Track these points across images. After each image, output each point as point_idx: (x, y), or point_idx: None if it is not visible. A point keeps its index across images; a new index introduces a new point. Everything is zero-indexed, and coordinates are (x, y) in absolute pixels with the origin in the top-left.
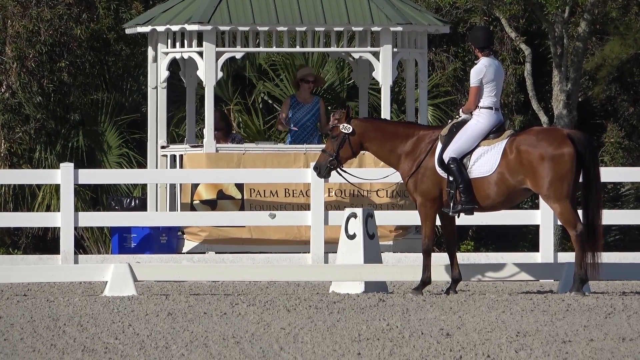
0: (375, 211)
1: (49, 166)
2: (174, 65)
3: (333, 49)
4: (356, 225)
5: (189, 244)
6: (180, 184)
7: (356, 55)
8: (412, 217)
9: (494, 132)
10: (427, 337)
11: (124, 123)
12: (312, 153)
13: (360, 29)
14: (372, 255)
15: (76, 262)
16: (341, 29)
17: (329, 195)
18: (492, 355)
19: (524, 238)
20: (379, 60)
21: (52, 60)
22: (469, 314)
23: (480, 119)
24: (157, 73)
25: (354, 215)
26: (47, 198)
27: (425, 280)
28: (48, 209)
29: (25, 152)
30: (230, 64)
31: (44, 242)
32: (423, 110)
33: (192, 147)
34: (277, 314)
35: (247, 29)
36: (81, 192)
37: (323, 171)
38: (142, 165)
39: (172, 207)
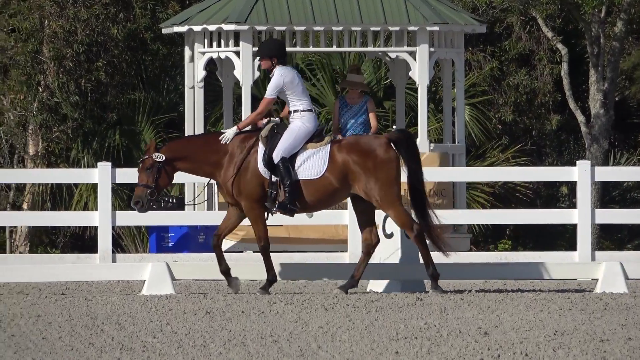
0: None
1: (86, 165)
2: (210, 64)
3: (370, 48)
4: (394, 225)
5: (226, 243)
6: (217, 183)
7: (393, 55)
8: (449, 216)
9: (316, 136)
10: (465, 336)
11: (161, 122)
12: None
13: (397, 28)
14: (410, 254)
15: (114, 261)
16: (378, 28)
17: None
18: (530, 354)
19: (561, 237)
20: (415, 60)
21: (89, 60)
22: (506, 313)
23: (305, 121)
24: (194, 72)
25: None
26: (84, 197)
27: (272, 279)
28: (85, 208)
29: (63, 151)
30: None
31: (81, 240)
32: (460, 109)
33: None
34: (315, 313)
35: (283, 28)
36: (119, 191)
37: (145, 204)
38: None
39: (210, 206)
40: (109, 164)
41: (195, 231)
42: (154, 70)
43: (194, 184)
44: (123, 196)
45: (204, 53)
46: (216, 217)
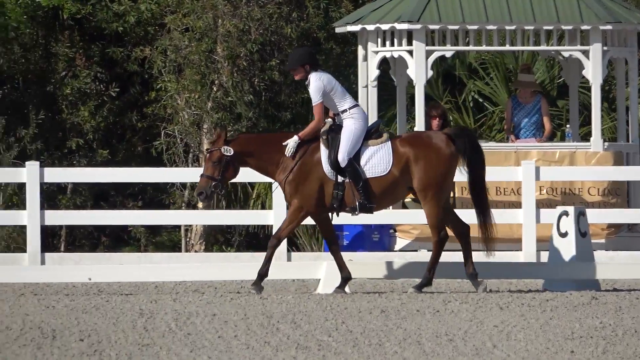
0: (586, 209)
1: None
2: (384, 64)
3: (543, 47)
4: (568, 224)
5: (401, 242)
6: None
7: (566, 54)
8: (624, 215)
9: (374, 132)
10: None
11: None
12: (523, 152)
13: (570, 27)
14: (584, 253)
15: (289, 259)
16: (550, 27)
17: (540, 194)
18: None
19: None
20: (588, 59)
21: (262, 59)
22: None
23: (357, 118)
24: (367, 72)
25: (566, 213)
26: (262, 196)
27: (262, 274)
28: (262, 207)
29: None
30: (440, 63)
31: (257, 239)
32: (634, 108)
33: None
34: (490, 312)
35: (456, 27)
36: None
37: (209, 196)
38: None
39: None
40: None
41: (370, 230)
42: (327, 69)
43: None
44: None
45: (377, 52)
46: (390, 216)
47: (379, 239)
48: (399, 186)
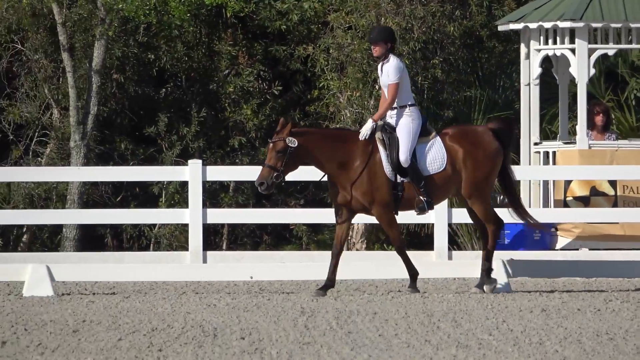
0: None
1: None
2: (546, 62)
3: None
4: None
5: (562, 241)
6: (553, 181)
7: None
8: None
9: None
10: None
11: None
12: None
13: None
14: None
15: (450, 258)
16: None
17: None
18: None
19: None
20: None
21: (425, 58)
22: None
23: (415, 117)
24: (530, 70)
25: None
26: None
27: (414, 274)
28: None
29: None
30: (602, 61)
31: (417, 238)
32: None
33: (565, 143)
34: None
35: (619, 25)
36: None
37: (270, 186)
38: (515, 161)
39: (546, 204)
40: None
41: (531, 229)
42: (489, 67)
43: (529, 181)
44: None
45: (539, 50)
46: (551, 215)
47: (540, 237)
48: (452, 182)
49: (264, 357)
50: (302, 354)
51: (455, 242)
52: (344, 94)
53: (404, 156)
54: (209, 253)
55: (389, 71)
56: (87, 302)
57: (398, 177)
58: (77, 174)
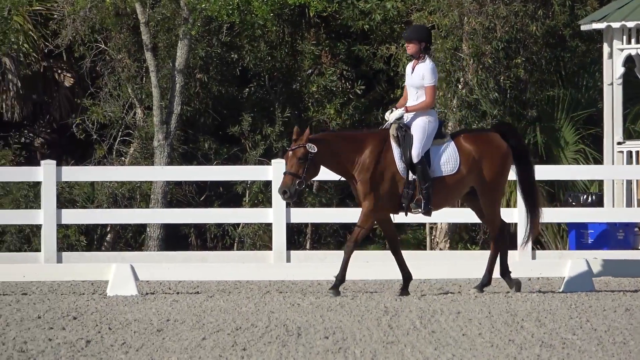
0: None
1: None
2: (629, 61)
3: None
4: None
5: None
6: (637, 180)
7: None
8: None
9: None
10: None
11: (580, 119)
12: None
13: None
14: None
15: (534, 257)
16: None
17: None
18: None
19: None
20: None
21: (508, 57)
22: None
23: (432, 119)
24: (612, 69)
25: None
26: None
27: (340, 280)
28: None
29: None
30: None
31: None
32: None
33: None
34: None
35: None
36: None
37: (293, 194)
38: (598, 161)
39: (629, 203)
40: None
41: (615, 228)
42: (572, 67)
43: (613, 181)
44: (542, 192)
45: (622, 50)
46: (634, 215)
47: (623, 237)
48: (464, 184)
49: (347, 357)
50: (386, 353)
51: (539, 241)
52: None
53: (415, 151)
54: (293, 252)
55: (425, 74)
56: (171, 302)
57: (410, 175)
58: (161, 173)
